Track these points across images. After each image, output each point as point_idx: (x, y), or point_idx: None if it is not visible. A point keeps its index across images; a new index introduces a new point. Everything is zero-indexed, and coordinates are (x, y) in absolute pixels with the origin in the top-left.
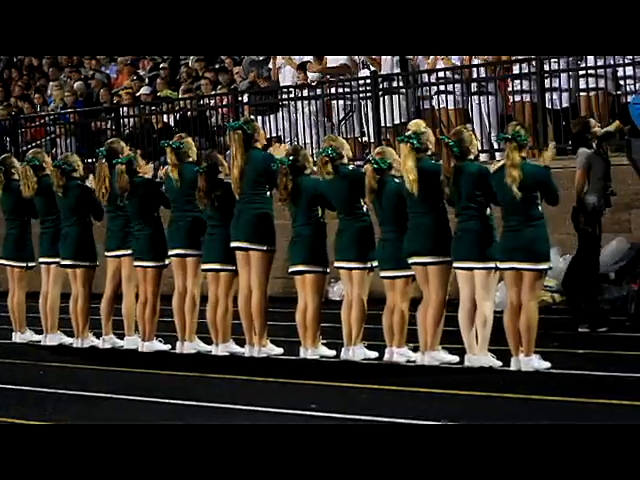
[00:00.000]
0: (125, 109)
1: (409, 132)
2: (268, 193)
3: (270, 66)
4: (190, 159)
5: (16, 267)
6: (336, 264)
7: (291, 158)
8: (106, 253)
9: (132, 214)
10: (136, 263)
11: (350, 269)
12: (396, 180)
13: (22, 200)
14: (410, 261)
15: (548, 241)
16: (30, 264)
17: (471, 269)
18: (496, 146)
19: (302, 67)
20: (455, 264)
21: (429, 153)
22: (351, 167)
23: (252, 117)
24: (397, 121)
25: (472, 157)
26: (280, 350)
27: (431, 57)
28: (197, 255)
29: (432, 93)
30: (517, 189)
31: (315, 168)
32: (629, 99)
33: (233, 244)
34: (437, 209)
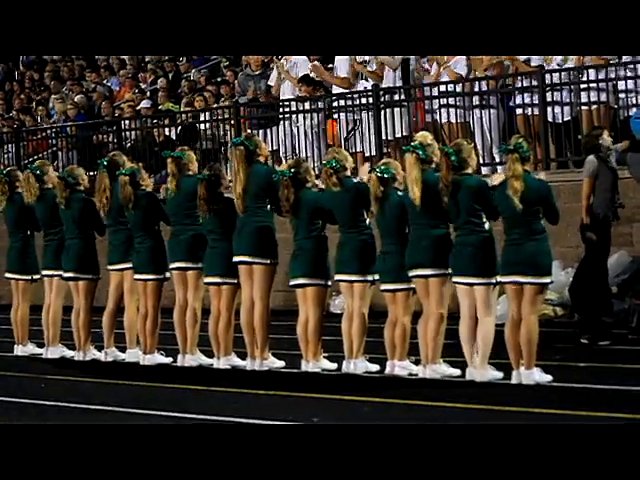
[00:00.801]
0: (127, 122)
1: (415, 143)
2: (269, 207)
3: (270, 82)
4: (190, 172)
5: (20, 280)
6: (337, 277)
7: (292, 170)
8: (108, 266)
9: (134, 226)
10: (137, 276)
11: (351, 282)
12: (399, 192)
13: (26, 212)
14: (411, 274)
15: (550, 255)
16: (35, 277)
17: (471, 284)
18: (498, 159)
19: (303, 80)
20: (455, 279)
21: (433, 166)
22: (355, 180)
23: (254, 132)
24: (398, 135)
25: (470, 170)
26: (282, 363)
27: (434, 69)
28: (197, 268)
29: (434, 107)
30: (519, 201)
31: (317, 182)
32: (630, 113)
33: (236, 258)
34: (439, 222)
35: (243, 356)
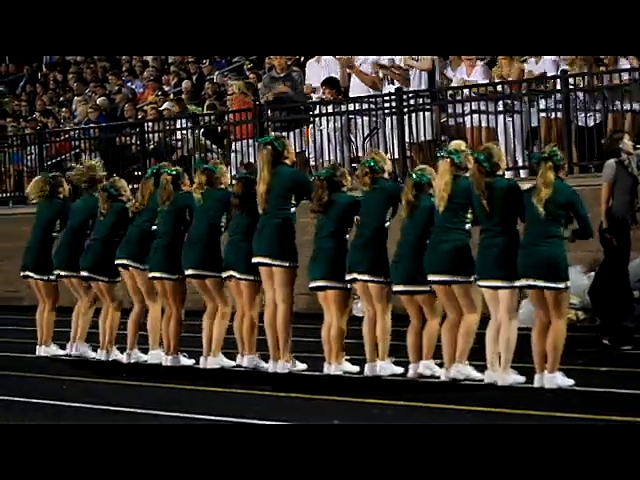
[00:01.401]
0: (150, 124)
1: (451, 148)
2: (293, 209)
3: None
4: (222, 186)
5: (40, 280)
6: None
7: (329, 172)
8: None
9: (162, 225)
10: (152, 274)
11: (365, 282)
12: (432, 199)
13: (61, 218)
14: (431, 278)
15: (566, 260)
16: (51, 277)
17: (496, 288)
18: (520, 163)
19: (327, 82)
20: (481, 282)
21: (467, 174)
22: (389, 183)
23: (283, 134)
24: (422, 138)
25: (501, 173)
26: (304, 366)
27: (456, 78)
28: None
29: (458, 111)
30: (543, 208)
31: (351, 180)
32: None
33: (255, 259)
34: (459, 228)
35: (266, 358)
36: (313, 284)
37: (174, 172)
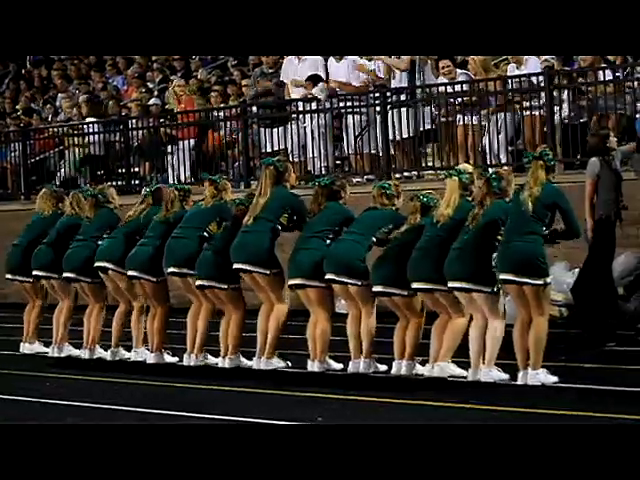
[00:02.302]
0: (134, 121)
1: (460, 167)
2: (280, 227)
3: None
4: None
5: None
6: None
7: (330, 180)
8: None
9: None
10: (131, 273)
11: (345, 284)
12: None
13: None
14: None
15: (544, 257)
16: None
17: (469, 290)
18: (504, 160)
19: (311, 79)
20: (451, 284)
21: (469, 198)
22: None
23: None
24: (405, 135)
25: (507, 200)
26: (287, 363)
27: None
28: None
29: (442, 108)
30: (531, 205)
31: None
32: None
33: (236, 266)
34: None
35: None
36: (292, 282)
37: (183, 187)
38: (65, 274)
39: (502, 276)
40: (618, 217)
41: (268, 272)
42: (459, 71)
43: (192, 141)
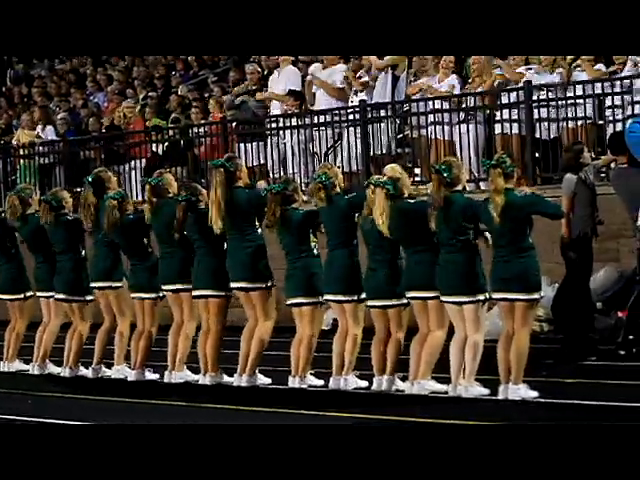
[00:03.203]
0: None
1: (385, 178)
2: (259, 230)
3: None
4: (170, 194)
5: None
6: (326, 297)
7: (282, 186)
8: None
9: (122, 247)
10: (134, 295)
11: (340, 302)
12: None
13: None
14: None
15: (539, 271)
16: (27, 294)
17: (460, 303)
18: (476, 175)
19: (291, 94)
20: (443, 298)
21: (405, 196)
22: (347, 197)
23: (236, 155)
24: (385, 150)
25: (460, 187)
26: (268, 380)
27: (430, 82)
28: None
29: (421, 123)
30: (498, 215)
31: (304, 197)
32: (616, 128)
33: (234, 285)
34: (419, 247)
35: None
36: (291, 301)
37: (119, 195)
38: (57, 295)
39: (496, 295)
40: (594, 233)
41: (263, 286)
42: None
43: (143, 161)
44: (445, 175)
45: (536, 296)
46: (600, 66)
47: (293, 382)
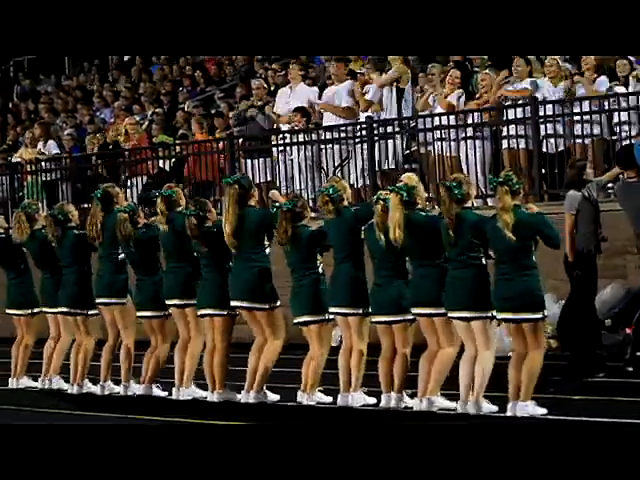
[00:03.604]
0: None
1: (400, 184)
2: (268, 250)
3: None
4: (180, 209)
5: (22, 315)
6: (331, 310)
7: (292, 203)
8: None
9: (133, 261)
10: (141, 313)
11: (345, 315)
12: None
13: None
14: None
15: (541, 290)
16: (34, 310)
17: (468, 319)
18: (483, 192)
19: (298, 110)
20: (451, 314)
21: (419, 207)
22: (353, 209)
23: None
24: (392, 166)
25: (470, 204)
26: (277, 397)
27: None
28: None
29: (427, 139)
30: (511, 233)
31: (312, 214)
32: (625, 143)
33: (234, 303)
34: (427, 260)
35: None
36: (298, 319)
37: (130, 208)
38: (61, 309)
39: (500, 315)
40: (598, 250)
41: (267, 306)
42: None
43: (144, 178)
44: (456, 192)
45: (539, 315)
46: (602, 80)
47: (302, 397)
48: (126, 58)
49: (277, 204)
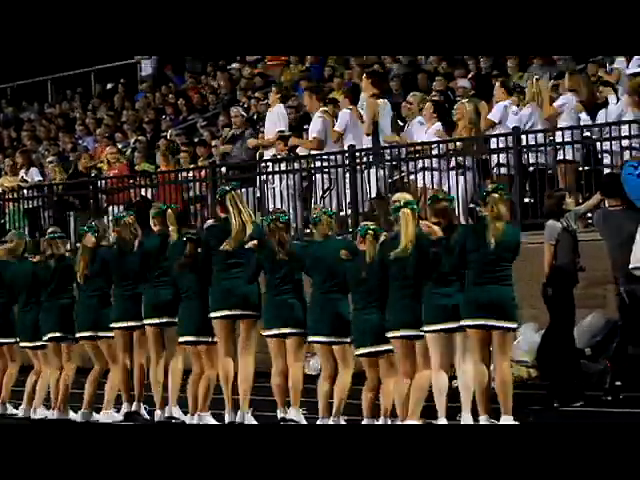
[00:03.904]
0: (103, 182)
1: (404, 200)
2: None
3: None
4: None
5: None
6: (311, 338)
7: (287, 217)
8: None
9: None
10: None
11: (329, 344)
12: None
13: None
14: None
15: (514, 300)
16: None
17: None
18: (470, 221)
19: (281, 139)
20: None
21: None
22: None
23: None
24: (374, 195)
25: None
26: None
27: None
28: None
29: (409, 169)
30: (495, 242)
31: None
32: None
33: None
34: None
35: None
36: (269, 332)
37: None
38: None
39: (471, 322)
40: (575, 280)
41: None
42: (437, 125)
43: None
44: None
45: (512, 325)
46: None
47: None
48: (109, 86)
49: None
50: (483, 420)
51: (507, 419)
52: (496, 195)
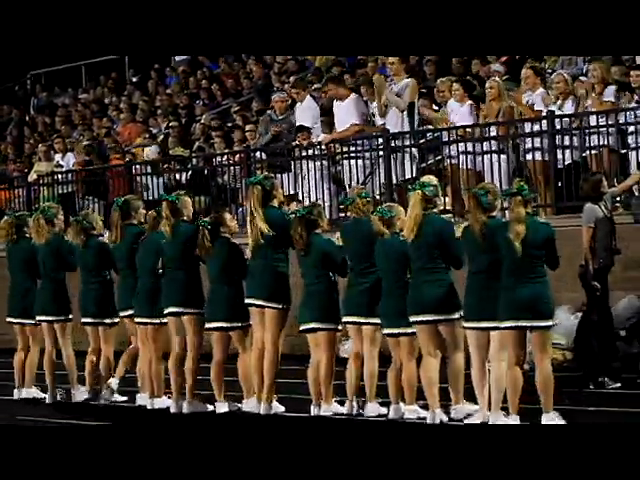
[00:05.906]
0: (137, 167)
1: (420, 183)
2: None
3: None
4: (185, 217)
5: (26, 324)
6: (345, 319)
7: (306, 210)
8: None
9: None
10: (138, 320)
11: (359, 324)
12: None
13: (33, 256)
14: (414, 319)
15: (551, 299)
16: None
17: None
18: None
19: (300, 130)
20: (486, 324)
21: (435, 210)
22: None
23: (271, 174)
24: (408, 176)
25: (495, 213)
26: (282, 408)
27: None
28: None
29: (444, 153)
30: (519, 245)
31: (327, 227)
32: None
33: (248, 300)
34: (442, 266)
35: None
36: (304, 327)
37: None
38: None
39: (508, 324)
40: (612, 262)
41: (281, 307)
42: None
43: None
44: (483, 200)
45: (549, 323)
46: (610, 94)
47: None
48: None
49: (292, 210)
50: (513, 420)
51: (548, 417)
52: (518, 197)
